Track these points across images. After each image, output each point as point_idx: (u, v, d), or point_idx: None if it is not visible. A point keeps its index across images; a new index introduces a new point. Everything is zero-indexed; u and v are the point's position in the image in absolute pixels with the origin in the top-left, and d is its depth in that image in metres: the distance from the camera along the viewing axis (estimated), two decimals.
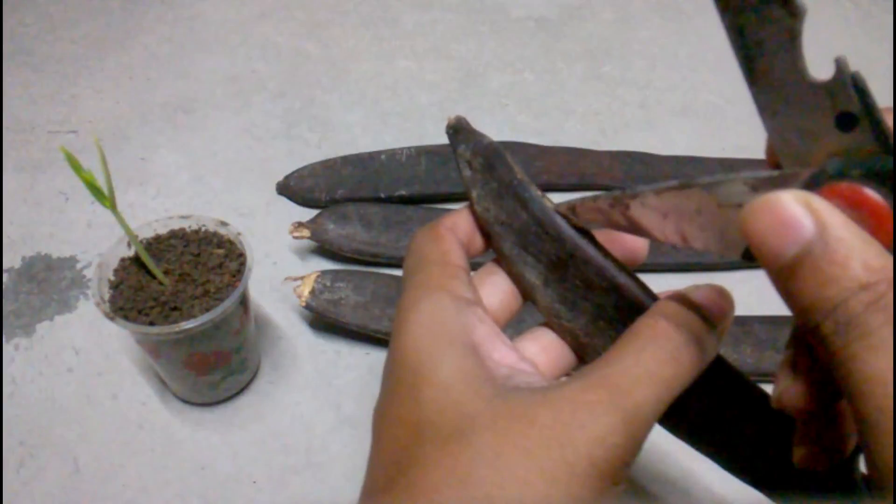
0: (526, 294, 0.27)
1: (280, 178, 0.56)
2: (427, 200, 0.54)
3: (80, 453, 0.41)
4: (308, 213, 0.53)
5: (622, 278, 0.25)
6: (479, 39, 0.74)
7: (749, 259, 0.19)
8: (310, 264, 0.51)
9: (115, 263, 0.39)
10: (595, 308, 0.25)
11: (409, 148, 0.56)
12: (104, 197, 0.34)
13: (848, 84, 0.17)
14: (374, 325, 0.45)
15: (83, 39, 0.70)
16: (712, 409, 0.25)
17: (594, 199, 0.24)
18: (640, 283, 0.25)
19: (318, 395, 0.44)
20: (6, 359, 0.45)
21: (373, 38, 0.73)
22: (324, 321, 0.46)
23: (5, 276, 0.50)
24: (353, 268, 0.49)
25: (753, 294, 0.50)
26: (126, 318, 0.36)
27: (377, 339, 0.46)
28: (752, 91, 0.18)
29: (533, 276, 0.26)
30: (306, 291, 0.45)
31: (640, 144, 0.60)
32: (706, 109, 0.66)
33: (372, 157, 0.56)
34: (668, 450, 0.39)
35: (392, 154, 0.56)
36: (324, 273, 0.46)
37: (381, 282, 0.46)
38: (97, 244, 0.52)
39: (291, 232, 0.49)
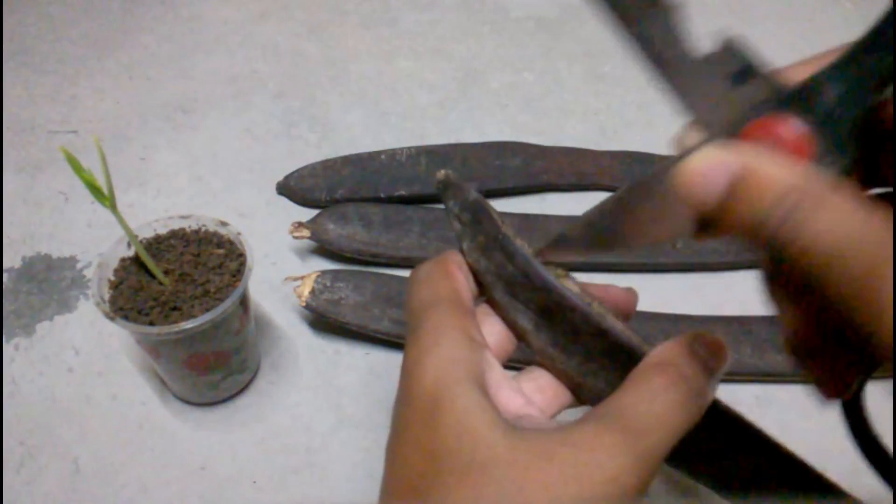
0: (519, 337, 0.28)
1: (280, 178, 0.56)
2: (427, 200, 0.54)
3: (80, 453, 0.41)
4: (308, 213, 0.53)
5: (606, 322, 0.26)
6: (479, 39, 0.74)
7: (702, 233, 0.20)
8: (310, 264, 0.51)
9: (115, 263, 0.39)
10: (585, 351, 0.26)
11: (409, 148, 0.56)
12: (104, 197, 0.34)
13: (731, 47, 0.19)
14: (374, 325, 0.45)
15: (83, 39, 0.70)
16: (704, 443, 0.26)
17: (566, 236, 0.26)
18: (625, 325, 0.26)
19: (318, 395, 0.44)
20: (6, 359, 0.45)
21: (373, 38, 0.73)
22: (324, 321, 0.46)
23: (5, 276, 0.50)
24: (353, 268, 0.49)
25: (753, 294, 0.50)
26: (126, 318, 0.36)
27: (377, 339, 0.46)
28: (660, 82, 0.21)
29: (524, 322, 0.27)
30: (306, 291, 0.45)
31: (640, 144, 0.60)
32: None
33: (372, 157, 0.56)
34: None
35: (392, 154, 0.56)
36: (324, 273, 0.46)
37: (381, 282, 0.46)
38: (97, 244, 0.52)
39: (291, 232, 0.49)
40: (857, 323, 0.17)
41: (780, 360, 0.44)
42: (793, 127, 0.18)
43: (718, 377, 0.24)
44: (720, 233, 0.19)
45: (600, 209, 0.24)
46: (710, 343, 0.24)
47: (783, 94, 0.19)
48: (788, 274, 0.18)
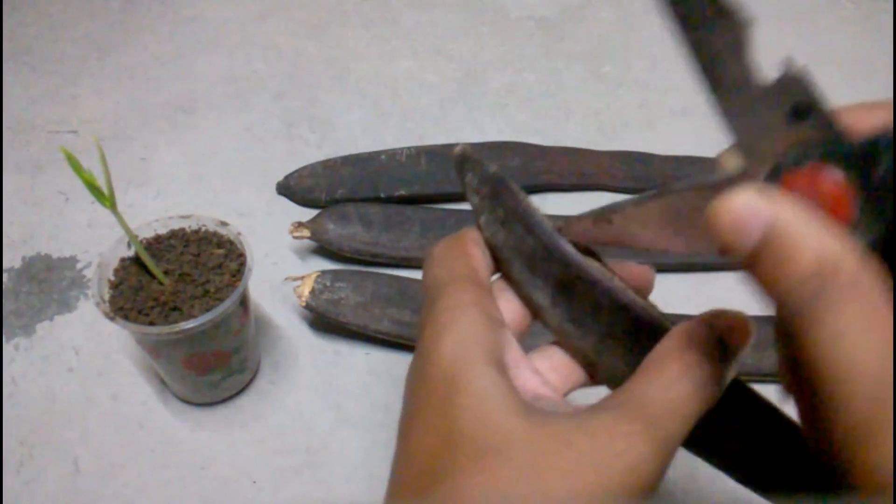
0: (535, 314, 0.28)
1: (280, 178, 0.56)
2: (427, 200, 0.54)
3: (80, 453, 0.41)
4: (308, 213, 0.53)
5: (628, 297, 0.25)
6: (479, 39, 0.74)
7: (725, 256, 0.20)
8: (310, 264, 0.51)
9: (115, 263, 0.39)
10: (603, 327, 0.26)
11: (409, 148, 0.56)
12: (104, 197, 0.34)
13: (795, 79, 0.18)
14: (374, 325, 0.45)
15: (83, 39, 0.70)
16: (720, 424, 0.26)
17: (578, 219, 0.25)
18: (646, 300, 0.25)
19: (318, 395, 0.44)
20: (6, 359, 0.45)
21: (373, 38, 0.73)
22: (324, 321, 0.46)
23: (5, 276, 0.50)
24: (353, 268, 0.49)
25: (753, 294, 0.50)
26: (126, 318, 0.36)
27: (377, 339, 0.46)
28: (711, 98, 0.20)
29: (541, 298, 0.27)
30: (306, 291, 0.45)
31: (640, 144, 0.60)
32: (706, 109, 0.66)
33: (372, 157, 0.56)
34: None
35: (392, 154, 0.56)
36: (324, 273, 0.46)
37: (381, 282, 0.46)
38: (97, 244, 0.52)
39: (291, 232, 0.49)
40: (842, 457, 0.16)
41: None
42: (839, 186, 0.17)
43: (740, 358, 0.23)
44: (745, 269, 0.19)
45: (624, 207, 0.23)
46: (731, 322, 0.23)
47: (838, 149, 0.18)
48: (794, 350, 0.18)
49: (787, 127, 0.18)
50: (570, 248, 0.26)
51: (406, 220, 0.51)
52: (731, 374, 0.23)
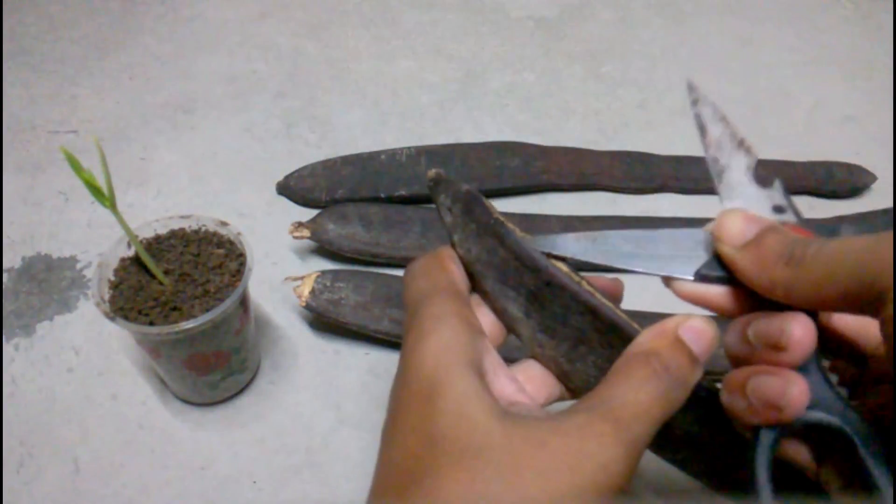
0: (509, 328, 0.29)
1: (280, 178, 0.56)
2: (427, 200, 0.54)
3: (80, 453, 0.41)
4: (308, 213, 0.53)
5: (596, 300, 0.26)
6: (479, 39, 0.74)
7: (700, 279, 0.25)
8: (310, 264, 0.51)
9: (115, 263, 0.39)
10: (575, 332, 0.27)
11: (409, 148, 0.56)
12: (104, 197, 0.34)
13: (780, 192, 0.26)
14: (374, 325, 0.45)
15: (83, 39, 0.70)
16: (684, 427, 0.27)
17: (559, 236, 0.27)
18: (614, 305, 0.27)
19: (318, 395, 0.44)
20: (6, 359, 0.45)
21: (373, 38, 0.73)
22: (324, 321, 0.46)
23: (5, 276, 0.50)
24: (353, 268, 0.49)
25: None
26: (126, 318, 0.36)
27: (377, 339, 0.46)
28: (719, 190, 0.27)
29: (514, 309, 0.28)
30: (306, 291, 0.45)
31: (640, 144, 0.60)
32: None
33: (372, 157, 0.56)
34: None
35: (392, 154, 0.56)
36: (324, 273, 0.46)
37: (381, 282, 0.46)
38: (97, 244, 0.52)
39: (291, 232, 0.49)
40: (866, 298, 0.20)
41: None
42: (805, 232, 0.24)
43: (704, 362, 0.25)
44: (739, 272, 0.24)
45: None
46: (696, 329, 0.24)
47: (809, 224, 0.25)
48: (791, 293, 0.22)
49: (771, 214, 0.25)
50: (538, 254, 0.27)
51: (406, 220, 0.51)
52: (696, 377, 0.24)
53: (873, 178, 0.58)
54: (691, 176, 0.58)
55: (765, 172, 0.26)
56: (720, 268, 0.25)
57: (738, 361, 0.24)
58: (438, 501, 0.21)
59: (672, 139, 0.62)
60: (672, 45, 0.74)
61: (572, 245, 0.27)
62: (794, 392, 0.22)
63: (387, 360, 0.46)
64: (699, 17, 0.78)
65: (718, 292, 0.25)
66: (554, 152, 0.58)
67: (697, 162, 0.59)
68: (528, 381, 0.28)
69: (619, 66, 0.71)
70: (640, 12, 0.78)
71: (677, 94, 0.67)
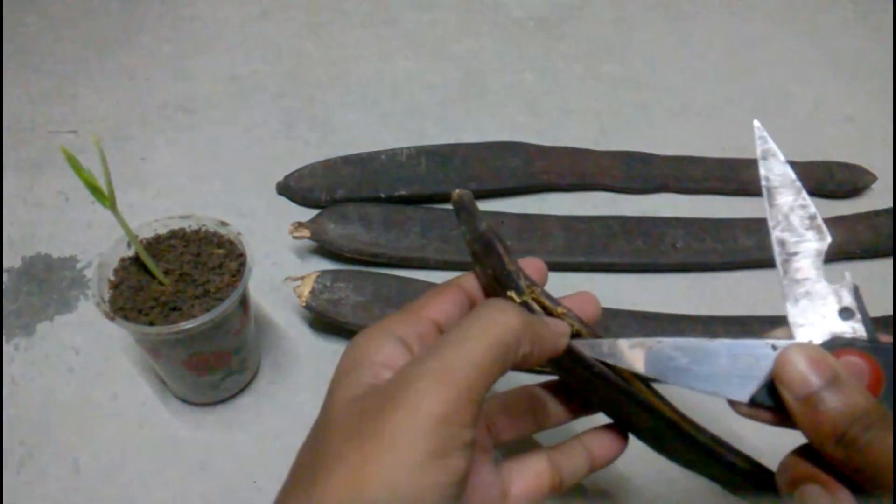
0: None
1: (280, 178, 0.56)
2: (427, 200, 0.54)
3: (80, 453, 0.41)
4: (308, 213, 0.53)
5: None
6: (479, 39, 0.74)
7: (755, 405, 0.25)
8: (310, 264, 0.51)
9: (115, 263, 0.39)
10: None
11: (409, 148, 0.56)
12: (104, 197, 0.34)
13: (849, 290, 0.25)
14: None
15: (83, 39, 0.70)
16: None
17: (613, 342, 0.28)
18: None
19: (318, 395, 0.44)
20: (6, 359, 0.45)
21: (373, 38, 0.73)
22: (324, 321, 0.46)
23: (5, 276, 0.50)
24: (353, 268, 0.49)
25: (753, 294, 0.50)
26: (126, 318, 0.36)
27: None
28: (784, 283, 0.26)
29: None
30: (306, 291, 0.45)
31: (640, 144, 0.60)
32: (706, 109, 0.66)
33: (372, 157, 0.56)
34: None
35: (392, 154, 0.56)
36: (324, 273, 0.46)
37: (381, 282, 0.46)
38: (97, 244, 0.52)
39: (291, 232, 0.49)
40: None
41: None
42: (877, 370, 0.24)
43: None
44: (795, 422, 0.24)
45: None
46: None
47: (876, 348, 0.24)
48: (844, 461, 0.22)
49: (836, 318, 0.25)
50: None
51: (406, 220, 0.51)
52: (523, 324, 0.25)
53: (873, 178, 0.58)
54: (691, 176, 0.58)
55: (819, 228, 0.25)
56: (775, 396, 0.24)
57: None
58: (303, 488, 0.23)
59: (672, 139, 0.62)
60: (672, 45, 0.74)
61: (627, 355, 0.27)
62: None
63: None
64: (699, 17, 0.78)
65: (774, 416, 0.25)
66: (554, 152, 0.58)
67: (697, 162, 0.59)
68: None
69: (619, 66, 0.71)
70: (640, 12, 0.78)
71: (677, 94, 0.68)
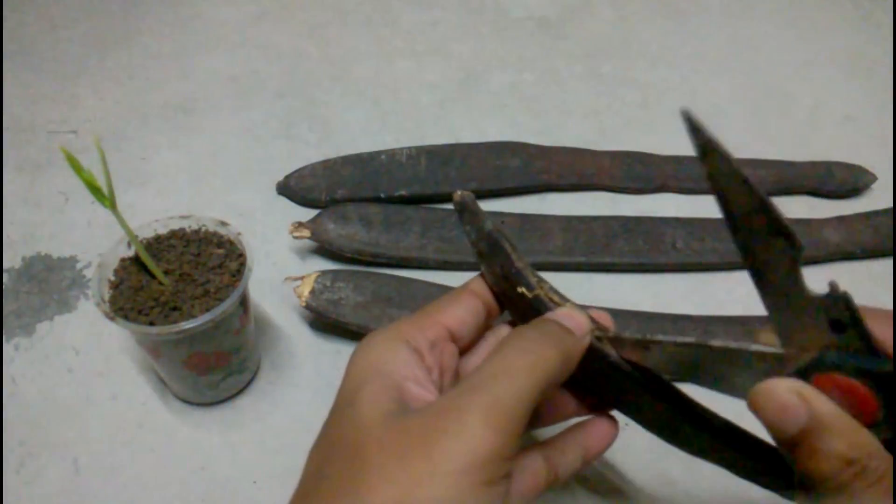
0: None
1: (280, 178, 0.56)
2: (427, 200, 0.54)
3: (80, 453, 0.41)
4: (308, 213, 0.53)
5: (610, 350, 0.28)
6: (479, 39, 0.74)
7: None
8: (310, 264, 0.51)
9: (115, 263, 0.39)
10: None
11: (409, 148, 0.56)
12: (104, 197, 0.34)
13: (840, 301, 0.21)
14: (374, 325, 0.45)
15: (83, 39, 0.70)
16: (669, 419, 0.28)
17: (618, 337, 0.27)
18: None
19: (318, 395, 0.44)
20: (6, 359, 0.45)
21: (373, 38, 0.73)
22: (324, 321, 0.46)
23: (5, 276, 0.50)
24: (353, 268, 0.49)
25: (753, 294, 0.50)
26: (126, 318, 0.36)
27: None
28: (760, 294, 0.23)
29: None
30: (306, 291, 0.45)
31: (640, 144, 0.60)
32: (706, 109, 0.66)
33: (372, 157, 0.56)
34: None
35: (392, 154, 0.56)
36: (324, 273, 0.46)
37: (381, 282, 0.46)
38: (97, 244, 0.52)
39: (291, 232, 0.49)
40: None
41: None
42: (870, 398, 0.21)
43: (581, 335, 0.26)
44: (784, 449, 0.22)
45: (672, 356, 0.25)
46: (567, 315, 0.27)
47: (871, 367, 0.21)
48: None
49: (828, 334, 0.21)
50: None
51: (406, 220, 0.51)
52: (569, 345, 0.25)
53: (873, 178, 0.58)
54: (691, 176, 0.58)
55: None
56: None
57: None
58: (326, 493, 0.22)
59: (672, 139, 0.62)
60: (672, 45, 0.74)
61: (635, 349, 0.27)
62: None
63: None
64: (699, 17, 0.78)
65: None
66: (554, 152, 0.58)
67: (698, 162, 0.59)
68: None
69: (619, 66, 0.71)
70: (640, 12, 0.78)
71: (677, 94, 0.68)
